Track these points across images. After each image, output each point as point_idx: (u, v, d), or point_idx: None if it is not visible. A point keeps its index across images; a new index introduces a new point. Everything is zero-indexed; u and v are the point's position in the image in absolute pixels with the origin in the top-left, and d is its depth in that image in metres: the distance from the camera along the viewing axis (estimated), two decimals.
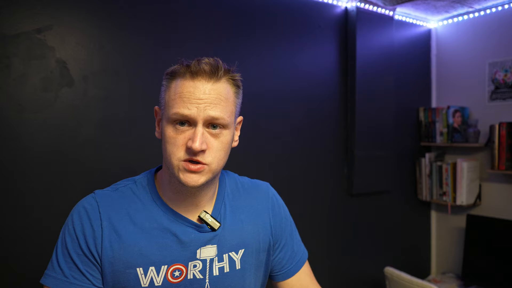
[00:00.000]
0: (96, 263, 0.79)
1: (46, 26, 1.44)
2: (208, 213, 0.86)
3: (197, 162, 0.77)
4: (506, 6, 2.32)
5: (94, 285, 0.80)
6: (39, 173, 1.45)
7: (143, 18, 1.64)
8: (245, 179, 1.01)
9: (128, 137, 1.62)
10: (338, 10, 2.25)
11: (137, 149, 1.63)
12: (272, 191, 1.02)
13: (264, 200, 0.98)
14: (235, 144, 0.89)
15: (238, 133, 0.90)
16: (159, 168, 0.92)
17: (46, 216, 1.46)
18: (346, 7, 2.26)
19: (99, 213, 0.81)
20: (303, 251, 1.02)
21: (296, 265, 0.98)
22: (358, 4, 2.22)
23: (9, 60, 1.39)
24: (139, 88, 1.64)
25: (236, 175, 1.01)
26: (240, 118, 0.90)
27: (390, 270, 2.01)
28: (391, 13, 2.37)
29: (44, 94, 1.45)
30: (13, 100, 1.40)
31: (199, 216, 0.85)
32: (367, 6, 2.26)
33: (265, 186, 1.01)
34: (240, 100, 0.86)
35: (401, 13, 2.52)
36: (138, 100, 1.64)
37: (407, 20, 2.57)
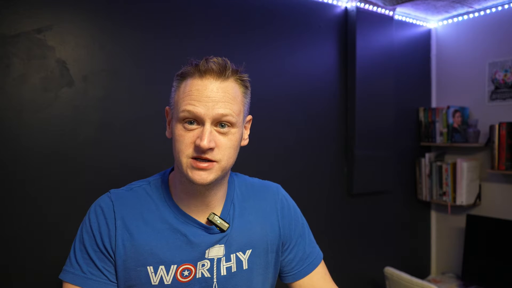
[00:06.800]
0: (111, 260, 0.82)
1: (46, 26, 1.44)
2: (216, 215, 0.87)
3: (206, 160, 0.78)
4: (506, 6, 2.32)
5: (110, 280, 0.82)
6: (39, 173, 1.45)
7: (143, 18, 1.64)
8: (255, 180, 1.02)
9: (128, 137, 1.61)
10: (338, 10, 2.25)
11: (137, 149, 1.63)
12: (283, 192, 1.02)
13: (273, 201, 0.98)
14: (245, 142, 0.90)
15: (247, 132, 0.91)
16: (173, 169, 0.92)
17: (46, 216, 1.46)
18: (346, 7, 2.26)
19: (114, 212, 0.83)
20: (317, 253, 1.01)
21: (308, 267, 0.98)
22: (358, 4, 2.22)
23: (9, 60, 1.39)
24: (139, 88, 1.64)
25: (246, 176, 1.02)
26: (249, 117, 0.90)
27: (390, 270, 2.01)
28: (391, 13, 2.37)
29: (44, 94, 1.45)
30: (13, 100, 1.40)
31: (207, 218, 0.86)
32: (367, 6, 2.26)
33: (275, 187, 1.02)
34: (248, 100, 0.86)
35: (401, 13, 2.52)
36: (138, 100, 1.64)
37: (407, 20, 2.57)
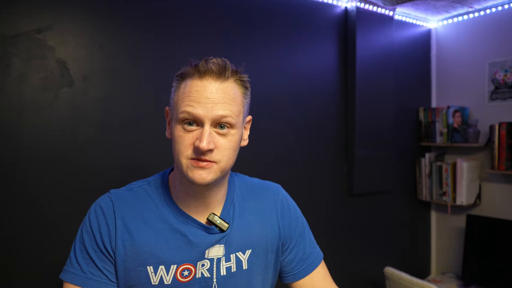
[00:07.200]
0: (111, 260, 0.82)
1: (46, 26, 1.44)
2: (216, 215, 0.87)
3: (206, 160, 0.78)
4: (506, 6, 2.32)
5: (110, 280, 0.82)
6: (39, 173, 1.45)
7: (143, 18, 1.64)
8: (255, 180, 1.02)
9: (128, 137, 1.62)
10: (338, 10, 2.25)
11: (137, 149, 1.63)
12: (283, 192, 1.02)
13: (273, 201, 0.98)
14: (245, 143, 0.90)
15: (247, 133, 0.91)
16: (173, 169, 0.92)
17: (47, 216, 1.46)
18: (346, 7, 2.26)
19: (114, 212, 0.83)
20: (317, 253, 1.01)
21: (308, 267, 0.98)
22: (358, 4, 2.22)
23: (9, 60, 1.39)
24: (139, 88, 1.64)
25: (247, 176, 1.02)
26: (249, 117, 0.90)
27: (390, 270, 2.01)
28: (391, 13, 2.37)
29: (44, 94, 1.45)
30: (13, 100, 1.40)
31: (207, 218, 0.86)
32: (367, 6, 2.26)
33: (275, 187, 1.02)
34: (248, 101, 0.86)
35: (401, 13, 2.52)
36: (138, 100, 1.64)
37: (407, 20, 2.57)
